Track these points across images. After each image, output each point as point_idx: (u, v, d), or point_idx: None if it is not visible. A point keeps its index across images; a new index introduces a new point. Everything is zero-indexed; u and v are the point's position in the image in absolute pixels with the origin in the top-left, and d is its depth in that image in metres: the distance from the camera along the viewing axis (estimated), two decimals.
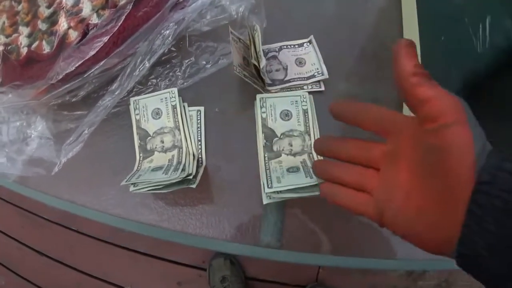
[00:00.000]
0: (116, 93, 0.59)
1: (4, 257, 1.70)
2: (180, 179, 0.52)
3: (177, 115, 0.60)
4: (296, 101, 0.60)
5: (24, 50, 0.62)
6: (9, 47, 0.64)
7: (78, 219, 0.59)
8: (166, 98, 0.61)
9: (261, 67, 0.57)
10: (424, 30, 0.59)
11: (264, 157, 0.57)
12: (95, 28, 0.58)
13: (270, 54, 0.65)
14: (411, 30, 0.62)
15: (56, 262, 1.63)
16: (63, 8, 0.62)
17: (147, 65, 0.60)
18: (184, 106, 0.62)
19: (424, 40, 0.58)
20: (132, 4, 0.57)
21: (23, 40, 0.64)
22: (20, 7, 0.67)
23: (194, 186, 0.53)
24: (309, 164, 0.55)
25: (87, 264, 1.63)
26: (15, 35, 0.65)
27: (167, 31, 0.60)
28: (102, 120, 0.61)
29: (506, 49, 0.35)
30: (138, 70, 0.59)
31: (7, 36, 0.65)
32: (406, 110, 0.59)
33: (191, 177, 0.53)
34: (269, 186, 0.51)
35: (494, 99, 0.42)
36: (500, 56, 0.36)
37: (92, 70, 0.58)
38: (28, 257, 1.66)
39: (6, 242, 1.69)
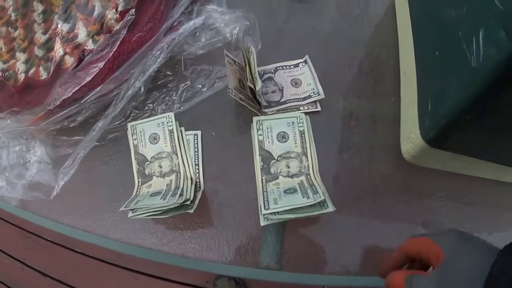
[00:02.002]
0: (110, 115, 0.59)
1: (8, 278, 1.69)
2: (178, 205, 0.51)
3: (174, 140, 0.60)
4: (293, 123, 0.59)
5: (21, 76, 0.63)
6: (6, 73, 0.64)
7: (81, 241, 0.60)
8: (163, 122, 0.61)
9: (257, 89, 0.57)
10: (418, 46, 0.59)
11: (262, 179, 0.57)
12: (90, 53, 0.58)
13: (265, 76, 0.65)
14: (407, 45, 0.62)
15: (59, 283, 1.62)
16: (58, 34, 0.62)
17: (138, 84, 0.59)
18: (181, 131, 0.61)
19: (419, 56, 0.58)
20: (126, 29, 0.58)
21: (20, 66, 0.64)
22: (16, 33, 0.67)
23: (191, 211, 0.52)
24: (306, 185, 0.54)
25: (90, 285, 1.61)
26: (12, 61, 0.65)
27: (158, 52, 0.60)
28: (100, 146, 0.62)
29: (500, 61, 0.35)
30: (130, 90, 0.59)
31: (4, 62, 0.66)
32: (404, 128, 0.59)
33: (188, 202, 0.53)
34: (266, 207, 0.51)
35: (493, 112, 0.41)
36: (495, 68, 0.36)
37: (89, 96, 0.58)
38: (32, 278, 1.65)
39: (9, 263, 1.69)
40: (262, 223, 0.51)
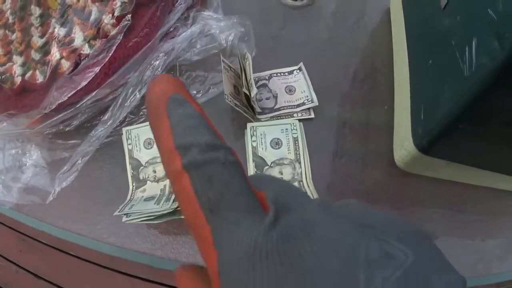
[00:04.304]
0: (109, 123, 0.60)
1: (2, 280, 1.68)
2: (171, 210, 0.52)
3: None
4: (287, 129, 0.60)
5: (18, 80, 0.63)
6: (3, 76, 0.64)
7: (76, 244, 0.60)
8: None
9: (252, 96, 0.57)
10: (412, 54, 0.59)
11: None
12: (86, 58, 0.58)
13: (260, 83, 0.65)
14: (401, 53, 0.63)
15: (54, 286, 1.61)
16: (55, 38, 0.62)
17: (138, 96, 0.60)
18: None
19: (413, 64, 0.58)
20: (122, 34, 0.58)
21: (17, 69, 0.64)
22: (14, 36, 0.68)
23: None
24: None
25: None
26: (9, 64, 0.66)
27: (157, 62, 0.60)
28: (95, 150, 0.61)
29: (493, 70, 0.35)
30: (129, 100, 0.60)
31: (1, 65, 0.66)
32: (398, 135, 0.59)
33: None
34: None
35: (485, 120, 0.42)
36: (487, 77, 0.36)
37: (85, 100, 0.59)
38: (26, 281, 1.64)
39: (4, 265, 1.68)
40: None
